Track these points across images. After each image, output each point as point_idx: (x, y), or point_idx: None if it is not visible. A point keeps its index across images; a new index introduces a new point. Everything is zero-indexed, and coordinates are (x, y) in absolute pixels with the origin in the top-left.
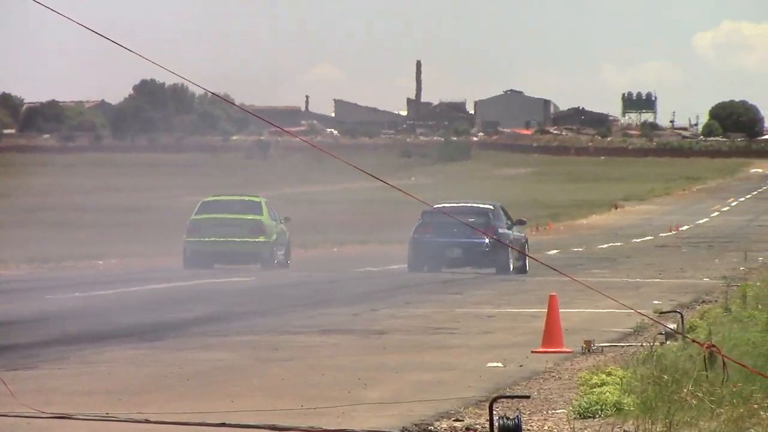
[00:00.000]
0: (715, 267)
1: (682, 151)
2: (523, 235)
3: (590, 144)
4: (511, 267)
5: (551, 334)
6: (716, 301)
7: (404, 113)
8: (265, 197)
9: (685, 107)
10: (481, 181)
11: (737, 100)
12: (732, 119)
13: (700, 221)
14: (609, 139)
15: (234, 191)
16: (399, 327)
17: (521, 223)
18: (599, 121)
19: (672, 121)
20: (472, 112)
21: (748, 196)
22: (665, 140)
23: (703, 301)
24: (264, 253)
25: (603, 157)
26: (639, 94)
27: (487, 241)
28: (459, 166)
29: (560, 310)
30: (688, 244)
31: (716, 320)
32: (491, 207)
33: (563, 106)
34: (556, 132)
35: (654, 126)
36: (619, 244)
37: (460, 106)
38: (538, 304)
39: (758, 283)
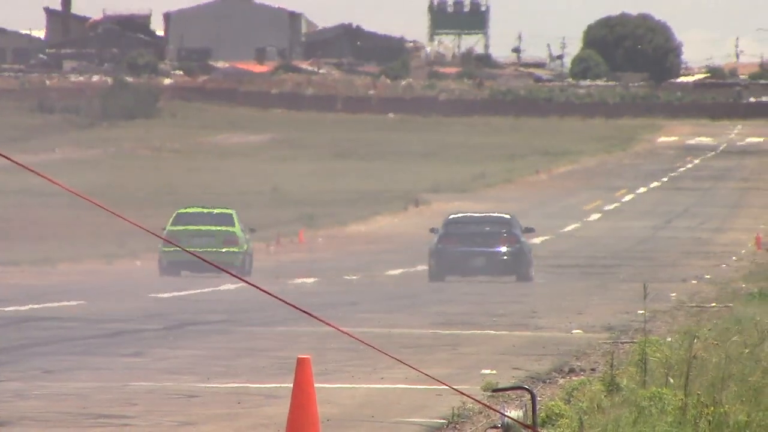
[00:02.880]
0: (594, 309)
1: (536, 106)
2: (530, 243)
3: (372, 92)
4: (533, 274)
5: (299, 430)
6: (593, 370)
7: (41, 34)
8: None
9: (539, 27)
10: (177, 157)
11: (633, 14)
12: (624, 49)
13: (567, 228)
14: (405, 82)
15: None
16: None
17: (530, 231)
18: (388, 51)
19: (517, 51)
20: (162, 33)
21: (653, 186)
22: (504, 85)
23: (572, 370)
24: (237, 262)
25: (392, 114)
26: (458, 4)
27: (507, 249)
28: (136, 129)
29: (318, 386)
30: (546, 269)
31: (593, 404)
32: (509, 216)
33: (324, 23)
34: (311, 69)
35: (485, 59)
36: (421, 267)
37: (139, 23)
38: (278, 372)
39: (668, 339)
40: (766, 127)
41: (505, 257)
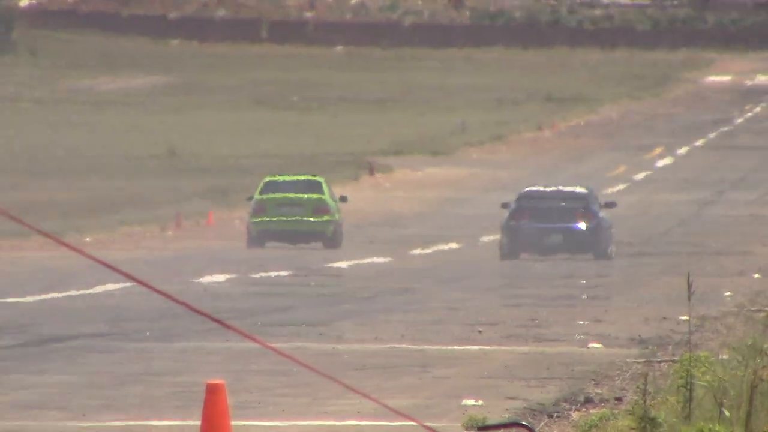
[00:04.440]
0: (618, 314)
1: (537, 33)
2: (609, 218)
3: (309, 15)
4: (612, 253)
5: None
6: (619, 399)
7: None
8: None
9: None
10: (38, 109)
11: None
12: None
13: None
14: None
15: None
16: None
17: (611, 205)
18: None
19: None
20: None
21: (697, 144)
22: (493, 5)
23: (588, 400)
24: (328, 232)
25: (339, 47)
26: None
27: (585, 226)
28: None
29: (236, 423)
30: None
31: None
32: (586, 191)
33: None
34: None
35: None
36: (380, 260)
37: None
38: (180, 404)
39: (723, 356)
40: None
41: (584, 234)
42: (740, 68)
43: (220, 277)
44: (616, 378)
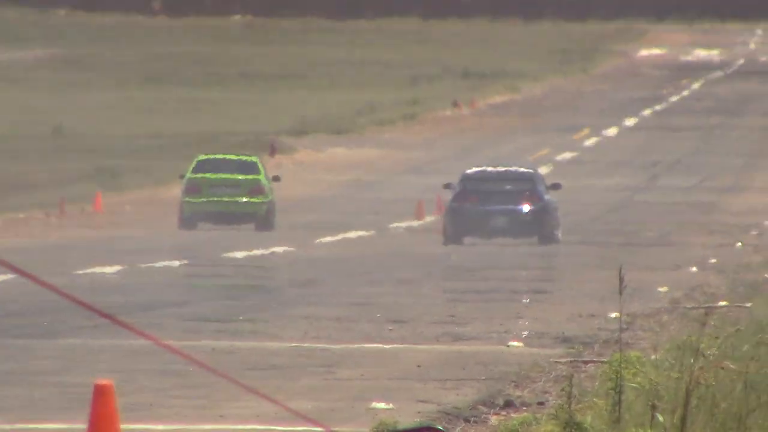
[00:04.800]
0: (541, 311)
1: (453, 3)
2: (555, 200)
3: None
4: (559, 235)
5: None
6: (542, 403)
7: None
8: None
9: None
10: None
11: None
12: None
13: None
14: None
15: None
16: None
17: (556, 187)
18: None
19: None
20: None
21: (629, 124)
22: None
23: (509, 404)
24: (260, 213)
25: (238, 16)
26: None
27: (531, 208)
28: None
29: (126, 427)
30: (461, 250)
31: None
32: (532, 171)
33: None
34: None
35: None
36: (282, 248)
37: None
38: (64, 406)
39: (655, 356)
40: None
41: (528, 217)
42: (676, 41)
43: (110, 268)
44: (539, 380)
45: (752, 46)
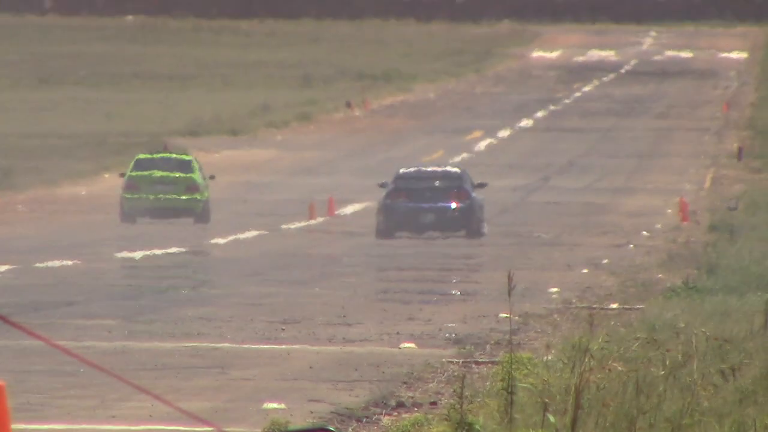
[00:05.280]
0: (433, 311)
1: (346, 3)
2: (482, 197)
3: None
4: (485, 230)
5: None
6: (435, 403)
7: None
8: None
9: None
10: None
11: None
12: None
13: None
14: None
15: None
16: None
17: (482, 186)
18: None
19: None
20: None
21: (522, 125)
22: None
23: (401, 404)
24: (197, 209)
25: (130, 17)
26: None
27: (458, 205)
28: None
29: (17, 427)
30: (352, 252)
31: None
32: (459, 171)
33: None
34: None
35: None
36: (175, 249)
37: None
38: None
39: (547, 357)
40: (694, 34)
41: (456, 213)
42: (570, 42)
43: (0, 268)
44: (431, 380)
45: (645, 46)
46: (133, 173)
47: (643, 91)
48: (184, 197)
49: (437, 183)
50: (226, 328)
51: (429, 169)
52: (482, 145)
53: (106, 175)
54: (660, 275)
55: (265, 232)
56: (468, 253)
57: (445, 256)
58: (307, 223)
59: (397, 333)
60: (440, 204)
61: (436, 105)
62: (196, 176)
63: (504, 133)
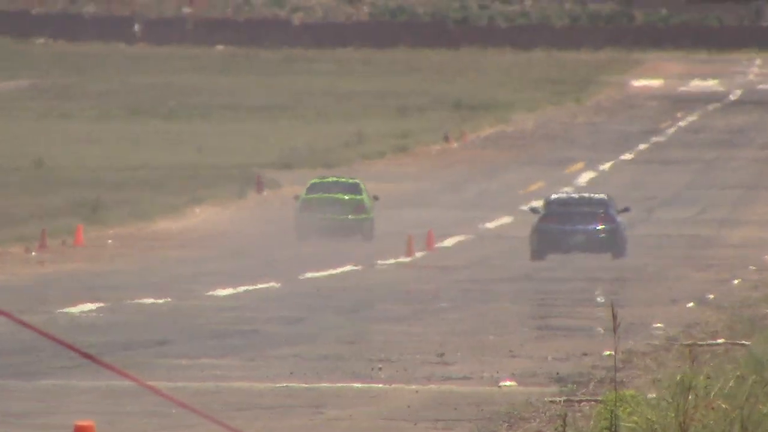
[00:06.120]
0: (534, 348)
1: (444, 32)
2: (625, 221)
3: (187, 10)
4: (626, 252)
5: None
6: None
7: None
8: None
9: None
10: None
11: None
12: None
13: (493, 224)
14: None
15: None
16: None
17: (626, 210)
18: None
19: None
20: None
21: (623, 157)
22: (394, 0)
23: None
24: (365, 228)
25: (220, 47)
26: None
27: (604, 228)
28: None
29: None
30: (459, 287)
31: None
32: (605, 196)
33: None
34: None
35: None
36: (266, 285)
37: None
38: None
39: (652, 394)
40: None
41: (602, 235)
42: (672, 71)
43: (90, 305)
44: (532, 419)
45: (751, 76)
46: (307, 196)
47: (748, 121)
48: (351, 217)
49: (585, 208)
50: (321, 367)
51: (577, 195)
52: (584, 177)
53: (197, 209)
54: (767, 310)
55: (363, 267)
56: (566, 288)
57: (544, 293)
58: (404, 258)
59: (498, 371)
60: (589, 227)
61: (535, 135)
62: (364, 198)
63: (605, 165)
